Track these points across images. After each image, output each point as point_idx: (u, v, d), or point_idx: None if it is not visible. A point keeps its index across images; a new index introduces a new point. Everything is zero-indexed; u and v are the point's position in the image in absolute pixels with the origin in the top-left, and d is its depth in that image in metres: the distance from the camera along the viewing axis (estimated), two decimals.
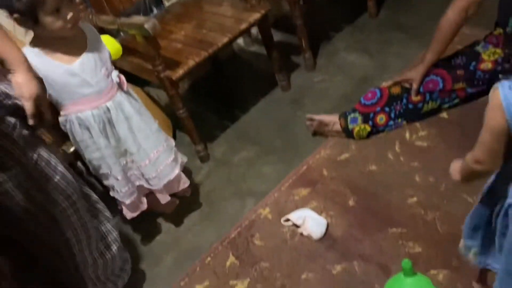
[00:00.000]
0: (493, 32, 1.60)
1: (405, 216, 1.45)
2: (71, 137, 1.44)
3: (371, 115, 1.72)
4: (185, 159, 1.66)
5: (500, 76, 1.56)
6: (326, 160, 1.74)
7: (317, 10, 2.53)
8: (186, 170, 1.79)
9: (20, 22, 1.22)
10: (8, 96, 1.10)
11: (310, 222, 1.51)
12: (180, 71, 1.69)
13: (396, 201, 1.51)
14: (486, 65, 1.59)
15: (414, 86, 1.66)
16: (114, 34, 2.08)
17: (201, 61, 1.75)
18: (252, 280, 1.44)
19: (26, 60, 1.13)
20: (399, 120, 1.73)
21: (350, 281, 1.34)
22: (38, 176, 1.16)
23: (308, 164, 1.75)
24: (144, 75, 1.84)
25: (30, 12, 1.18)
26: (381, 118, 1.72)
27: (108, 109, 1.39)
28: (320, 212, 1.55)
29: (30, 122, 1.12)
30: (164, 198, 1.60)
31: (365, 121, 1.73)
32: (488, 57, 1.59)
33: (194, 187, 1.83)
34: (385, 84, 1.78)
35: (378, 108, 1.72)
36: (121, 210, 1.60)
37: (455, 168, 0.98)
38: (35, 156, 1.15)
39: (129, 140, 1.46)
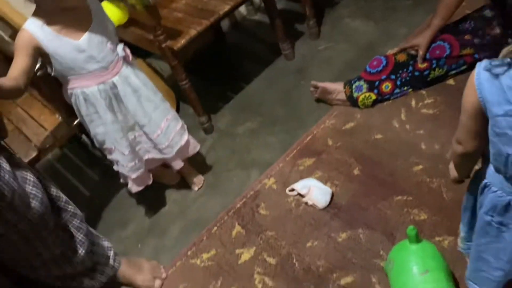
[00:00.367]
0: None
1: (411, 184, 1.45)
2: (76, 111, 1.42)
3: (377, 83, 1.70)
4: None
5: (509, 40, 1.53)
6: (331, 129, 1.73)
7: None
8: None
9: None
10: None
11: (315, 191, 1.51)
12: (182, 41, 1.67)
13: (401, 169, 1.50)
14: (495, 30, 1.55)
15: (421, 52, 1.63)
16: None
17: (203, 30, 1.72)
18: (258, 249, 1.46)
19: None
20: (405, 88, 1.70)
21: (355, 249, 1.35)
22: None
23: (312, 134, 1.74)
24: (145, 45, 1.82)
25: None
26: (386, 86, 1.70)
27: (115, 84, 1.36)
28: (325, 182, 1.55)
29: None
30: (177, 165, 1.60)
31: (370, 89, 1.71)
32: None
33: (199, 159, 1.83)
34: (390, 51, 1.75)
35: (383, 76, 1.69)
36: (126, 184, 1.60)
37: (451, 167, 0.98)
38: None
39: (139, 113, 1.44)
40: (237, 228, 1.54)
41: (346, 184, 1.54)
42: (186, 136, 1.57)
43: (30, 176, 1.13)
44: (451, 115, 1.59)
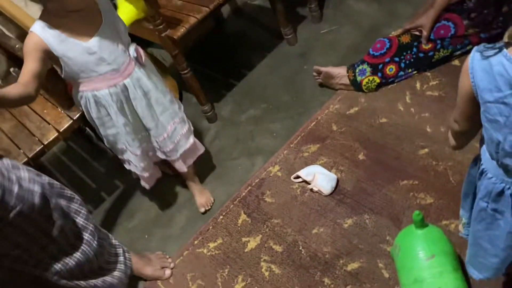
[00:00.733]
0: None
1: (416, 168, 1.43)
2: (86, 114, 1.38)
3: (380, 66, 1.67)
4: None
5: None
6: (335, 114, 1.71)
7: None
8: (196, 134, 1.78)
9: None
10: None
11: (320, 178, 1.50)
12: (182, 30, 1.65)
13: (407, 153, 1.49)
14: (502, 7, 1.51)
15: (425, 33, 1.59)
16: None
17: (203, 17, 1.69)
18: (264, 236, 1.46)
19: None
20: (410, 70, 1.67)
21: (362, 234, 1.35)
22: None
23: (316, 119, 1.72)
24: (146, 35, 1.80)
25: None
26: (390, 69, 1.67)
27: (126, 87, 1.31)
28: (330, 168, 1.54)
29: None
30: (181, 167, 1.56)
31: (374, 72, 1.68)
32: None
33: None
34: (394, 33, 1.72)
35: (387, 59, 1.66)
36: (138, 180, 1.60)
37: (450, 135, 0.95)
38: None
39: (147, 116, 1.39)
40: (243, 216, 1.54)
41: (351, 170, 1.52)
42: (191, 140, 1.53)
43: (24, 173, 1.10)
44: (456, 97, 1.56)
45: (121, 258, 1.39)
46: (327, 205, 1.46)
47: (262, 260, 1.41)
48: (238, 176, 1.69)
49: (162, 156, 1.53)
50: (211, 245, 1.51)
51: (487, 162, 0.83)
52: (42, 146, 1.50)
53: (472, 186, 0.94)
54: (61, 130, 1.51)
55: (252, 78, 2.04)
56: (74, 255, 1.21)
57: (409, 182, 1.41)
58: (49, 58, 1.20)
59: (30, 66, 1.15)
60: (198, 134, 1.91)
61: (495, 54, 0.70)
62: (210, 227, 1.55)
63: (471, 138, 0.90)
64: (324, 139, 1.65)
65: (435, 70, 1.66)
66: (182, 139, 1.50)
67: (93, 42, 1.21)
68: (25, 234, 1.07)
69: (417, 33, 1.64)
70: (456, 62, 1.66)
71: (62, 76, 1.26)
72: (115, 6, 1.84)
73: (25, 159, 1.47)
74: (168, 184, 1.77)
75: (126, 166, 1.53)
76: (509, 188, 0.80)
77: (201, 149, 1.61)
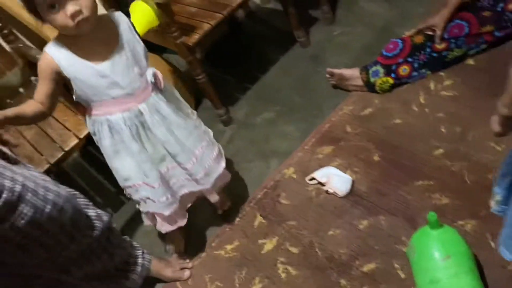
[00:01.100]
0: None
1: (431, 168, 1.44)
2: (98, 141, 1.29)
3: (394, 66, 1.67)
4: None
5: None
6: (349, 116, 1.72)
7: None
8: None
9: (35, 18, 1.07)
10: None
11: (335, 179, 1.51)
12: (196, 36, 1.68)
13: (421, 153, 1.49)
14: None
15: (438, 32, 1.59)
16: (128, 2, 2.07)
17: (217, 23, 1.72)
18: (280, 238, 1.48)
19: None
20: (423, 70, 1.68)
21: (377, 235, 1.36)
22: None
23: (330, 121, 1.73)
24: (161, 42, 1.84)
25: (30, 8, 1.04)
26: (404, 69, 1.67)
27: (141, 112, 1.23)
28: (344, 169, 1.55)
29: None
30: (213, 197, 1.48)
31: (388, 73, 1.68)
32: None
33: None
34: (407, 33, 1.72)
35: (400, 59, 1.67)
36: (155, 224, 1.46)
37: (494, 119, 0.93)
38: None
39: (170, 142, 1.29)
40: (259, 218, 1.56)
41: (366, 171, 1.53)
42: (223, 163, 1.44)
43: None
44: (471, 96, 1.56)
45: (140, 260, 1.43)
46: (342, 207, 1.47)
47: (278, 261, 1.43)
48: (254, 178, 1.71)
49: (195, 188, 1.41)
50: (228, 247, 1.53)
51: None
52: (64, 152, 1.54)
53: (511, 168, 0.93)
54: (81, 137, 1.55)
55: (265, 81, 2.06)
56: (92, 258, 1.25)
57: (424, 183, 1.41)
58: (62, 78, 1.16)
59: (44, 86, 1.14)
60: (213, 137, 1.93)
61: None
62: (227, 230, 1.58)
63: None
64: (339, 141, 1.66)
65: (449, 69, 1.66)
66: (214, 163, 1.40)
67: (106, 65, 1.15)
68: (44, 245, 1.09)
69: (430, 33, 1.64)
70: (470, 62, 1.65)
71: (74, 98, 1.20)
72: (128, 14, 1.88)
73: (47, 166, 1.51)
74: None
75: (142, 208, 1.40)
76: None
77: (227, 176, 1.51)
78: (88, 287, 1.29)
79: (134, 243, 1.44)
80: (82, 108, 1.31)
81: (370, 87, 1.73)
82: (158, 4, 1.56)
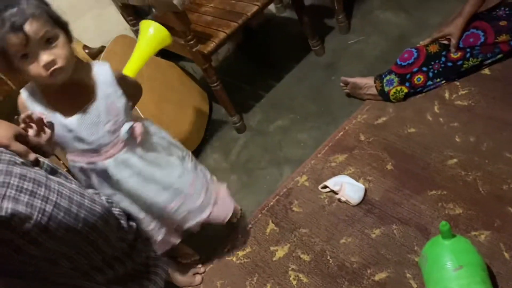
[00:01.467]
0: None
1: (445, 178, 1.43)
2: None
3: (408, 75, 1.67)
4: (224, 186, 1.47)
5: None
6: (362, 124, 1.72)
7: None
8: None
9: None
10: None
11: (348, 188, 1.51)
12: (212, 45, 1.70)
13: (435, 163, 1.48)
14: None
15: (453, 41, 1.59)
16: (146, 11, 2.12)
17: (232, 32, 1.75)
18: (292, 246, 1.48)
19: None
20: (438, 79, 1.67)
21: (389, 244, 1.35)
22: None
23: (344, 129, 1.74)
24: (177, 50, 1.87)
25: (4, 57, 0.98)
26: (418, 79, 1.67)
27: (107, 167, 1.18)
28: (357, 178, 1.55)
29: (32, 157, 0.96)
30: (194, 228, 1.41)
31: (402, 82, 1.68)
32: None
33: (232, 158, 1.87)
34: (422, 42, 1.72)
35: (415, 69, 1.66)
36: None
37: None
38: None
39: (139, 194, 1.25)
40: (271, 225, 1.57)
41: (379, 180, 1.53)
42: (208, 212, 1.38)
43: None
44: (486, 106, 1.55)
45: (159, 262, 1.43)
46: (354, 215, 1.47)
47: (290, 269, 1.43)
48: (266, 185, 1.72)
49: (162, 230, 1.36)
50: (240, 253, 1.54)
51: None
52: None
53: None
54: None
55: (280, 89, 2.08)
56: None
57: (437, 192, 1.40)
58: None
59: None
60: (227, 144, 1.96)
61: None
62: (239, 236, 1.59)
63: None
64: (352, 149, 1.66)
65: (465, 79, 1.65)
66: (195, 212, 1.35)
67: (73, 120, 1.09)
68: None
69: (445, 42, 1.63)
70: (486, 71, 1.64)
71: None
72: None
73: (66, 169, 1.55)
74: None
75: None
76: None
77: (229, 211, 1.45)
78: None
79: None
80: None
81: (384, 95, 1.73)
82: (175, 13, 1.60)
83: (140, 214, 1.29)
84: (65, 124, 1.10)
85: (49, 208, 0.93)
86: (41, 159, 1.01)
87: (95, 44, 1.88)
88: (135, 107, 1.78)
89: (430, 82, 1.67)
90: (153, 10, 2.11)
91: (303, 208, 1.57)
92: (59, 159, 1.68)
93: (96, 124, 1.12)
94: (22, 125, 0.98)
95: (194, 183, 1.33)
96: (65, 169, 1.30)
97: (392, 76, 1.70)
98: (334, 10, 2.10)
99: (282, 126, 1.91)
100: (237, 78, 2.24)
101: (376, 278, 1.30)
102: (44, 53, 0.97)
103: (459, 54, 1.61)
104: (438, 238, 1.14)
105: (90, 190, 1.11)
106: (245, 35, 2.43)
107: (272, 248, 1.50)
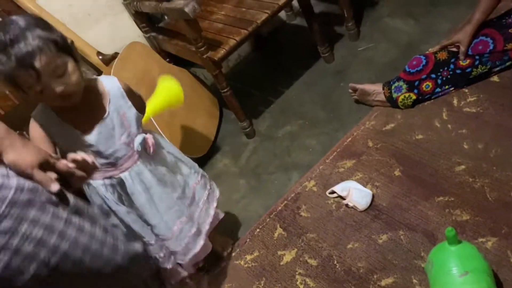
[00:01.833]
0: None
1: (453, 184, 1.43)
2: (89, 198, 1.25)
3: (416, 82, 1.68)
4: (217, 194, 1.47)
5: None
6: (371, 131, 1.73)
7: None
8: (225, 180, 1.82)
9: None
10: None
11: (355, 193, 1.52)
12: (222, 51, 1.73)
13: (443, 169, 1.48)
14: None
15: (462, 48, 1.60)
16: (159, 18, 2.16)
17: (242, 39, 1.78)
18: (299, 250, 1.49)
19: (7, 132, 0.87)
20: (447, 86, 1.68)
21: (396, 250, 1.36)
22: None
23: (352, 135, 1.75)
24: (188, 56, 1.90)
25: (15, 87, 0.98)
26: (427, 85, 1.68)
27: (123, 181, 1.19)
28: (365, 184, 1.56)
29: (54, 189, 0.88)
30: (189, 270, 1.44)
31: (410, 89, 1.69)
32: None
33: (241, 162, 1.90)
34: (431, 49, 1.73)
35: (423, 75, 1.67)
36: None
37: None
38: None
39: (148, 212, 1.25)
40: (279, 230, 1.58)
41: (387, 185, 1.54)
42: (202, 242, 1.37)
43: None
44: (495, 113, 1.55)
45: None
46: (362, 221, 1.48)
47: (297, 273, 1.44)
48: (275, 190, 1.74)
49: (171, 259, 1.36)
50: (248, 257, 1.56)
51: None
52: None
53: None
54: None
55: (289, 95, 2.10)
56: None
57: (444, 199, 1.41)
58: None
59: (49, 148, 1.08)
60: (237, 149, 1.99)
61: None
62: (247, 240, 1.61)
63: None
64: (360, 155, 1.67)
65: (473, 86, 1.66)
66: (191, 241, 1.34)
67: (92, 136, 1.10)
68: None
69: (454, 49, 1.64)
70: (494, 79, 1.64)
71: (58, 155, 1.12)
72: (160, 29, 1.94)
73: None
74: None
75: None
76: None
77: (209, 248, 1.45)
78: None
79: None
80: None
81: (392, 102, 1.74)
82: (186, 21, 1.63)
83: (152, 239, 1.29)
84: (84, 139, 1.10)
85: (54, 259, 0.85)
86: (68, 195, 0.93)
87: (108, 51, 1.92)
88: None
89: (438, 89, 1.68)
90: (165, 17, 2.16)
91: (310, 213, 1.58)
92: None
93: (112, 137, 1.13)
94: (70, 165, 0.93)
95: (192, 205, 1.34)
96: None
97: (401, 83, 1.71)
98: (343, 18, 2.12)
99: (291, 132, 1.93)
100: (247, 84, 2.26)
101: (383, 283, 1.30)
102: (56, 84, 0.98)
103: (468, 61, 1.61)
104: (444, 244, 1.15)
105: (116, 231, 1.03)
106: (256, 42, 2.46)
107: (279, 253, 1.52)
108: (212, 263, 1.57)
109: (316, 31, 2.03)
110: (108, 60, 1.87)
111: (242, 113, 1.95)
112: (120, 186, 1.20)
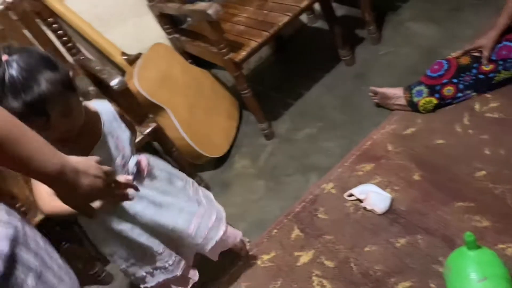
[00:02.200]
0: None
1: (473, 190, 1.42)
2: (85, 226, 1.23)
3: (438, 87, 1.67)
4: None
5: None
6: (390, 134, 1.73)
7: None
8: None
9: None
10: None
11: (374, 196, 1.52)
12: (243, 53, 1.75)
13: (463, 174, 1.47)
14: None
15: (485, 53, 1.58)
16: (182, 20, 2.20)
17: (263, 42, 1.79)
18: (316, 252, 1.50)
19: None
20: (468, 91, 1.66)
21: (414, 254, 1.35)
22: None
23: (372, 139, 1.75)
24: (210, 58, 1.93)
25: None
26: (448, 90, 1.67)
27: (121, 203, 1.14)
28: (384, 187, 1.56)
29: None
30: (214, 257, 1.41)
31: (431, 93, 1.69)
32: None
33: (259, 164, 1.91)
34: (453, 54, 1.72)
35: (445, 80, 1.66)
36: None
37: None
38: None
39: (158, 223, 1.23)
40: (296, 231, 1.59)
41: (406, 190, 1.53)
42: (222, 229, 1.36)
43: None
44: None
45: None
46: (380, 224, 1.48)
47: (314, 274, 1.45)
48: (292, 191, 1.75)
49: (191, 253, 1.36)
50: (265, 257, 1.57)
51: None
52: None
53: None
54: (144, 133, 1.64)
55: (309, 98, 2.11)
56: None
57: (464, 204, 1.40)
58: None
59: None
60: (255, 150, 2.00)
61: None
62: (265, 240, 1.62)
63: None
64: (379, 159, 1.67)
65: (496, 91, 1.64)
66: (212, 231, 1.33)
67: None
68: None
69: (477, 54, 1.63)
70: None
71: None
72: (188, 32, 1.96)
73: None
74: (224, 197, 1.87)
75: (149, 283, 1.30)
76: None
77: (238, 236, 1.48)
78: None
79: None
80: None
81: (413, 106, 1.73)
82: (209, 23, 1.65)
83: (160, 248, 1.26)
84: None
85: None
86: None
87: (132, 51, 1.96)
88: (169, 110, 1.86)
89: (460, 94, 1.67)
90: (188, 19, 2.19)
91: (328, 215, 1.58)
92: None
93: (109, 160, 1.12)
94: (129, 177, 0.92)
95: (201, 204, 1.34)
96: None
97: (422, 87, 1.70)
98: (365, 21, 2.12)
99: (310, 134, 1.94)
100: (267, 86, 2.28)
101: (400, 287, 1.30)
102: (63, 123, 0.99)
103: (491, 66, 1.60)
104: (463, 248, 1.14)
105: None
106: (276, 45, 2.47)
107: (296, 253, 1.53)
108: (213, 277, 1.56)
109: (338, 34, 2.03)
110: (132, 60, 1.91)
111: (262, 114, 1.96)
112: (118, 208, 1.17)
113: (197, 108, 1.98)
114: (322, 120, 1.96)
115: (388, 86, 1.82)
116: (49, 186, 0.72)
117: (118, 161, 1.15)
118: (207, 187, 1.91)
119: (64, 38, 1.84)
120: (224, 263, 1.60)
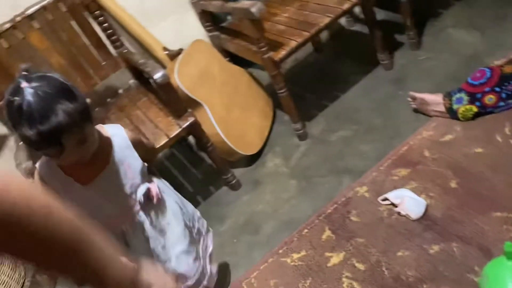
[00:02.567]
0: None
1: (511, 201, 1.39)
2: None
3: (479, 95, 1.65)
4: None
5: None
6: (428, 140, 1.71)
7: None
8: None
9: None
10: None
11: (409, 202, 1.51)
12: (283, 52, 1.77)
13: (502, 185, 1.44)
14: None
15: None
16: (222, 18, 2.23)
17: (303, 42, 1.80)
18: (347, 254, 1.50)
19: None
20: (511, 101, 1.63)
21: (448, 261, 1.33)
22: None
23: (408, 144, 1.73)
24: (249, 56, 1.95)
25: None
26: (490, 99, 1.64)
27: (124, 232, 1.15)
28: (419, 193, 1.54)
29: None
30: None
31: (472, 101, 1.66)
32: None
33: (292, 163, 1.92)
34: (497, 62, 1.69)
35: (487, 88, 1.63)
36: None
37: None
38: None
39: (163, 252, 1.21)
40: (327, 232, 1.59)
41: (441, 197, 1.51)
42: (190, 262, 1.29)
43: None
44: None
45: None
46: (414, 230, 1.46)
47: (344, 276, 1.45)
48: (325, 193, 1.75)
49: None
50: (295, 256, 1.58)
51: None
52: (153, 150, 1.69)
53: None
54: (170, 136, 1.68)
55: (345, 100, 2.11)
56: None
57: (503, 215, 1.37)
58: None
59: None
60: (288, 150, 2.01)
61: None
62: (295, 239, 1.63)
63: None
64: (416, 164, 1.65)
65: None
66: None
67: (90, 188, 1.07)
68: None
69: None
70: None
71: None
72: (225, 29, 1.99)
73: None
74: (256, 195, 1.88)
75: None
76: None
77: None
78: None
79: None
80: None
81: (452, 113, 1.71)
82: (251, 21, 1.68)
83: (184, 243, 1.26)
84: (84, 190, 1.07)
85: None
86: None
87: (172, 47, 2.00)
88: (206, 106, 1.89)
89: (502, 103, 1.64)
90: (228, 17, 2.22)
91: (361, 218, 1.58)
92: None
93: (116, 187, 1.10)
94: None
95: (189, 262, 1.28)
96: None
97: (462, 95, 1.68)
98: (405, 26, 2.10)
99: (345, 137, 1.94)
100: (302, 87, 2.29)
101: None
102: (77, 152, 0.99)
103: None
104: (501, 258, 1.13)
105: None
106: (314, 46, 2.48)
107: (327, 254, 1.53)
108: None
109: (377, 38, 2.02)
110: (173, 55, 1.95)
111: (297, 114, 1.97)
112: (121, 236, 1.15)
113: (233, 106, 2.00)
114: (358, 123, 1.95)
115: (426, 92, 1.80)
116: None
117: (126, 189, 1.11)
118: (239, 184, 1.94)
119: (109, 31, 1.90)
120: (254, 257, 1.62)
